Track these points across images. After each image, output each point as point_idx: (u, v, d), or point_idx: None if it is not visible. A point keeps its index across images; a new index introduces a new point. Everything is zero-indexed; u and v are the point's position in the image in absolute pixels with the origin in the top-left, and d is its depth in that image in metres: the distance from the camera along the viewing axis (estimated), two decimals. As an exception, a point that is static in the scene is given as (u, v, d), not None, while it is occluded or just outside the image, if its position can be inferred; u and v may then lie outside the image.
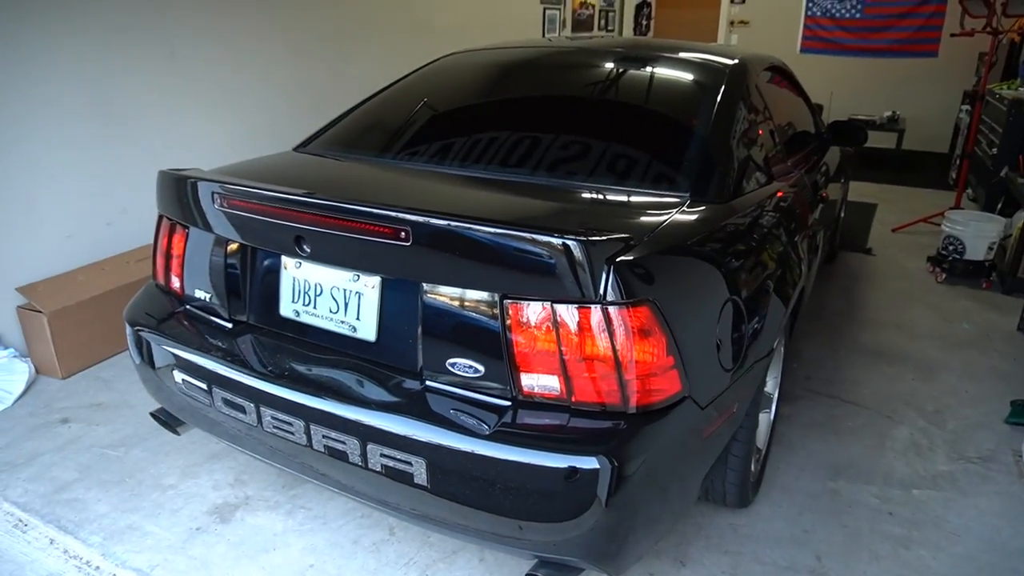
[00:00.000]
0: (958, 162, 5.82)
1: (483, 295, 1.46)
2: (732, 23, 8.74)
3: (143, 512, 2.19)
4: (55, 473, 2.37)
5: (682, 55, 2.49)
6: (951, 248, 4.12)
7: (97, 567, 1.99)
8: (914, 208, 5.55)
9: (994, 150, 5.09)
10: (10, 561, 2.01)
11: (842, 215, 4.38)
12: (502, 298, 1.43)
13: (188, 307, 1.97)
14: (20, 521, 2.17)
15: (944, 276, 4.14)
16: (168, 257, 1.98)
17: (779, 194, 2.23)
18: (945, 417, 2.73)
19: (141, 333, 1.94)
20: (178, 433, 2.09)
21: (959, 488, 2.32)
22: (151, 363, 1.94)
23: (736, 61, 2.39)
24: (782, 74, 3.01)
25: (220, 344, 1.81)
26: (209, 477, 2.34)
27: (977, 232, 4.04)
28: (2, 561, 2.01)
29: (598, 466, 1.34)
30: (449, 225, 1.41)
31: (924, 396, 2.88)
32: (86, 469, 2.39)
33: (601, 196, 1.86)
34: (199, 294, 1.92)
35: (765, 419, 2.30)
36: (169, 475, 2.36)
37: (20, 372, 2.90)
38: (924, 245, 4.71)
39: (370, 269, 1.59)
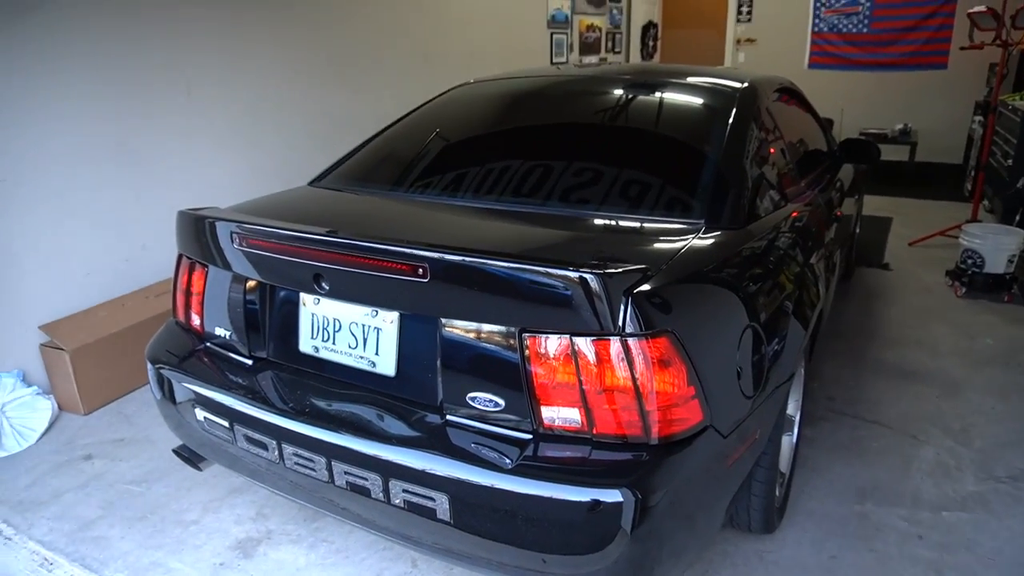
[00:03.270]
0: (973, 174, 5.78)
1: (501, 329, 1.46)
2: (739, 42, 8.78)
3: (166, 549, 2.19)
4: (79, 511, 2.39)
5: (692, 80, 2.50)
6: (970, 262, 4.08)
7: (122, 606, 1.99)
8: (929, 221, 5.51)
9: (1009, 161, 5.05)
10: (36, 601, 2.02)
11: (857, 231, 4.35)
12: (520, 331, 1.43)
13: (208, 344, 1.98)
14: (45, 560, 2.18)
15: (964, 290, 4.10)
16: (188, 295, 2.01)
17: (794, 215, 2.23)
18: (971, 436, 2.69)
19: (162, 371, 1.96)
20: (200, 469, 2.10)
21: (990, 510, 2.27)
22: (172, 400, 1.96)
23: (746, 84, 2.40)
24: (792, 95, 3.01)
25: (240, 381, 1.82)
26: (231, 512, 2.35)
27: (996, 245, 4.00)
28: (28, 601, 2.02)
29: (621, 499, 1.33)
30: (466, 260, 1.42)
31: (949, 414, 2.84)
32: (109, 506, 2.41)
33: (615, 224, 1.87)
34: (219, 331, 1.94)
35: (788, 442, 2.27)
36: (191, 510, 2.36)
37: (43, 409, 2.93)
38: (942, 259, 4.66)
39: (388, 305, 1.61)
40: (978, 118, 6.39)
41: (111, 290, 3.34)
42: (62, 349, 2.95)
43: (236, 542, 2.21)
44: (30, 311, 3.03)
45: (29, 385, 2.98)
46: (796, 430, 2.34)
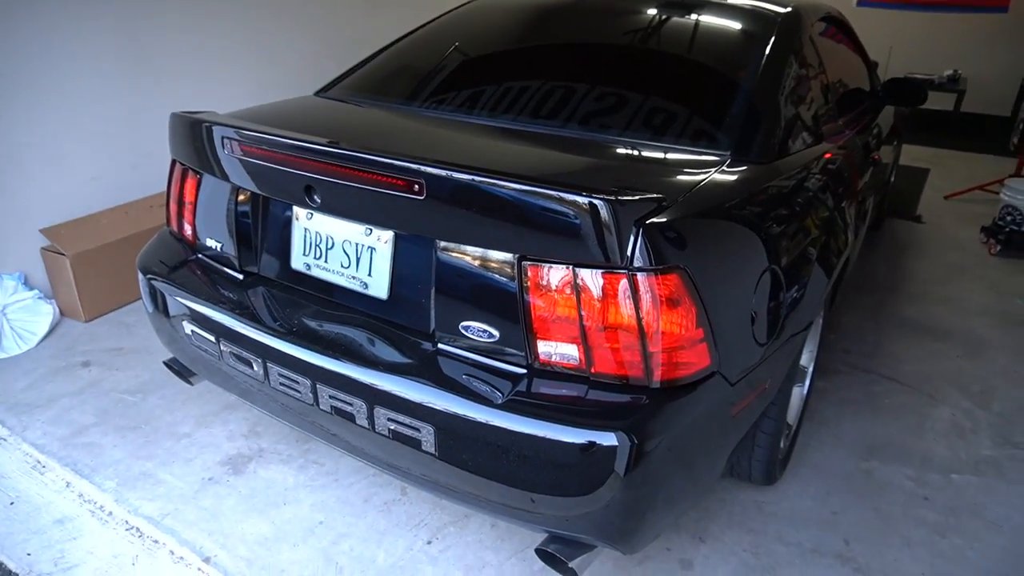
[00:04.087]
0: (1022, 126, 5.47)
1: (500, 255, 1.36)
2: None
3: (157, 460, 2.18)
4: (73, 416, 2.38)
5: (730, 1, 2.30)
6: (1009, 219, 3.88)
7: (110, 512, 1.98)
8: (970, 174, 5.26)
9: (1063, 115, 4.76)
10: (27, 502, 2.02)
11: (892, 179, 4.15)
12: (520, 259, 1.33)
13: (200, 256, 1.91)
14: (38, 463, 2.17)
15: (999, 248, 3.91)
16: (181, 204, 1.92)
17: (827, 156, 2.08)
18: (991, 399, 2.58)
19: (153, 281, 1.89)
20: (191, 383, 2.05)
21: (1003, 475, 2.19)
22: (164, 312, 1.89)
23: (789, 9, 2.20)
24: (838, 25, 2.79)
25: (230, 296, 1.74)
26: (224, 427, 2.32)
27: (1039, 202, 3.80)
28: (20, 502, 2.02)
29: (616, 443, 1.25)
30: (465, 179, 1.30)
31: (970, 375, 2.73)
32: (104, 413, 2.39)
33: (635, 152, 1.73)
34: (211, 243, 1.85)
35: (798, 393, 2.18)
36: (184, 423, 2.34)
37: (44, 314, 2.90)
38: (979, 214, 4.45)
39: (382, 223, 1.50)
40: (1034, 68, 6.01)
41: (115, 197, 3.26)
42: (62, 254, 2.89)
43: (227, 458, 2.19)
44: (32, 214, 2.97)
45: (31, 289, 2.95)
46: (808, 381, 2.25)
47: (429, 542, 1.89)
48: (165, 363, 2.05)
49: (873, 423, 2.42)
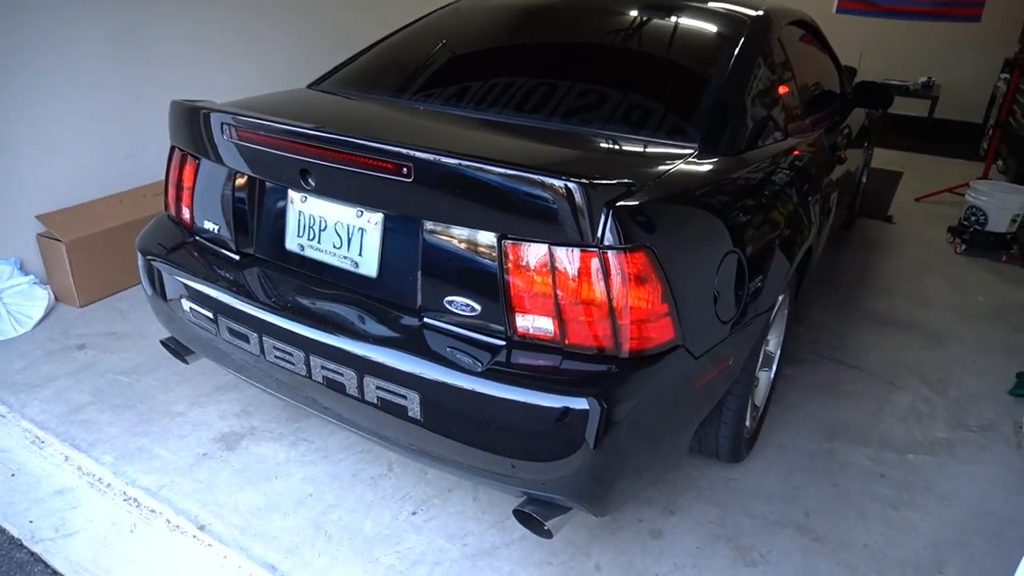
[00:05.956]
0: (991, 132, 5.66)
1: (482, 235, 1.47)
2: (768, -21, 8.44)
3: (152, 436, 2.27)
4: (70, 395, 2.46)
5: (705, 4, 2.43)
6: (973, 219, 4.04)
7: (108, 484, 2.07)
8: (942, 178, 5.43)
9: (1029, 121, 4.94)
10: (28, 474, 2.10)
11: (863, 181, 4.30)
12: (501, 238, 1.44)
13: (198, 238, 2.00)
14: (37, 438, 2.25)
15: (964, 247, 4.07)
16: (179, 188, 2.01)
17: (794, 152, 2.20)
18: (948, 386, 2.73)
19: (152, 262, 1.98)
20: (187, 362, 2.14)
21: (955, 455, 2.33)
22: (162, 292, 1.99)
23: (760, 13, 2.33)
24: (809, 30, 2.93)
25: (227, 275, 1.84)
26: (216, 407, 2.41)
27: (1001, 203, 3.95)
28: (21, 474, 2.10)
29: (588, 407, 1.36)
30: (451, 163, 1.41)
31: (930, 365, 2.87)
32: (100, 393, 2.47)
33: (611, 144, 1.85)
34: (208, 225, 1.95)
35: (765, 378, 2.31)
36: (178, 403, 2.43)
37: (40, 298, 2.97)
38: (947, 215, 4.62)
39: (373, 205, 1.61)
40: (1004, 75, 6.21)
41: (110, 186, 3.34)
42: (59, 240, 2.97)
43: (220, 435, 2.28)
44: (28, 200, 3.04)
45: (26, 274, 3.02)
46: (775, 367, 2.37)
47: (414, 513, 1.99)
48: (162, 342, 2.14)
49: (836, 407, 2.55)
